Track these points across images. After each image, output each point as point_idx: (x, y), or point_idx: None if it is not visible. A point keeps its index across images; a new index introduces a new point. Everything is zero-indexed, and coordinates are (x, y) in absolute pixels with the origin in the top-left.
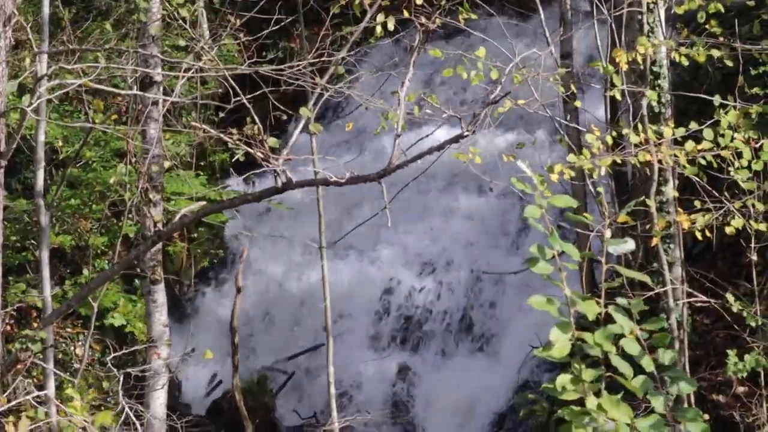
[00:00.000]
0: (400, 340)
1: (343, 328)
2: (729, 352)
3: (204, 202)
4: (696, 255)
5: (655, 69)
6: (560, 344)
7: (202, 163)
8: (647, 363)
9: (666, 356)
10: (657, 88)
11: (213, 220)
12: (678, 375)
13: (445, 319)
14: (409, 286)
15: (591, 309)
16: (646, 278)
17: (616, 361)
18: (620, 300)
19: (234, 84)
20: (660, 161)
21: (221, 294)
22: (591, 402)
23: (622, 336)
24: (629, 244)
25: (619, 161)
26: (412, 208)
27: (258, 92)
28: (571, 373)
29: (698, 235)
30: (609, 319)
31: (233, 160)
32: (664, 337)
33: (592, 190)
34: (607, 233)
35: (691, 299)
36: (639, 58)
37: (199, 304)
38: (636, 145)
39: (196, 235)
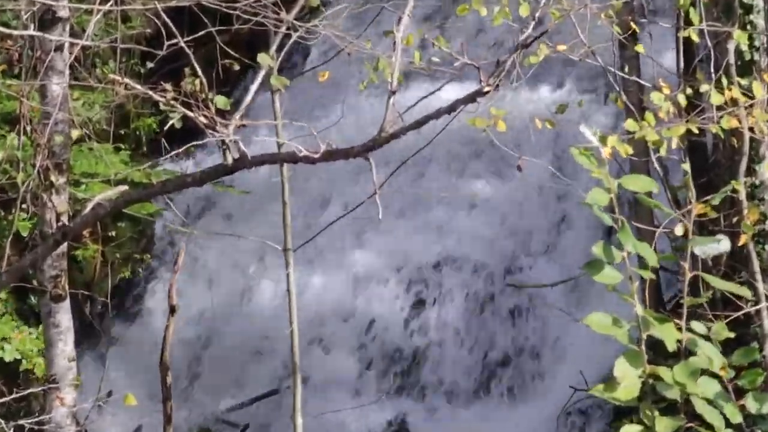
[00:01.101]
0: (395, 381)
1: (315, 363)
2: None
3: (125, 187)
4: None
5: (746, 0)
6: (628, 382)
7: (123, 132)
8: (732, 412)
9: (760, 403)
10: (748, 27)
11: (138, 212)
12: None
13: (456, 351)
14: (407, 304)
15: (670, 335)
16: (745, 291)
17: (702, 407)
18: (695, 324)
19: (168, 20)
20: (752, 129)
21: (148, 315)
22: None
23: (705, 372)
24: (723, 244)
25: (695, 130)
26: (408, 195)
27: (201, 32)
28: (640, 423)
29: None
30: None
31: (166, 127)
32: (756, 376)
33: (658, 169)
34: (679, 229)
35: None
36: None
37: (119, 330)
38: (719, 108)
39: (114, 233)
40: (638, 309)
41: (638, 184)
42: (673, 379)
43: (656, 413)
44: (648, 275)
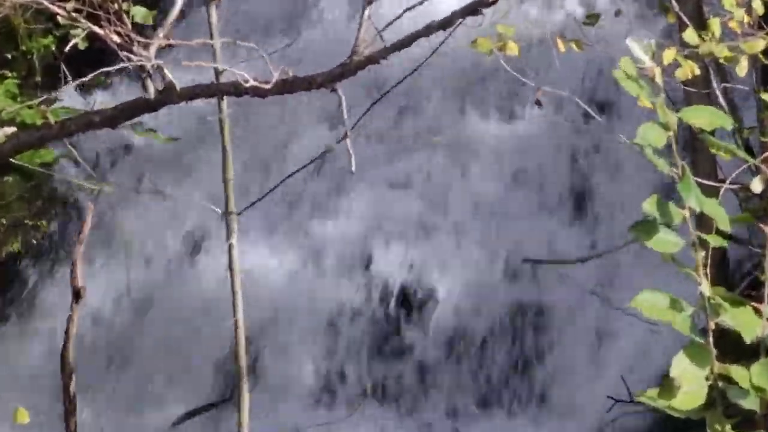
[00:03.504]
0: (376, 387)
1: (269, 365)
2: None
3: (12, 129)
4: None
5: None
6: (690, 386)
7: (9, 56)
8: None
9: None
10: None
11: (30, 162)
12: None
13: (458, 348)
14: (390, 285)
15: (749, 323)
16: None
17: None
18: None
19: None
20: None
21: (45, 302)
22: None
23: None
24: None
25: None
26: (392, 141)
27: None
28: None
29: None
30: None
31: (67, 48)
32: None
33: (723, 104)
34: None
35: None
36: None
37: (7, 321)
38: None
39: None
40: (705, 287)
41: (704, 118)
42: (751, 382)
43: (728, 427)
44: (719, 242)
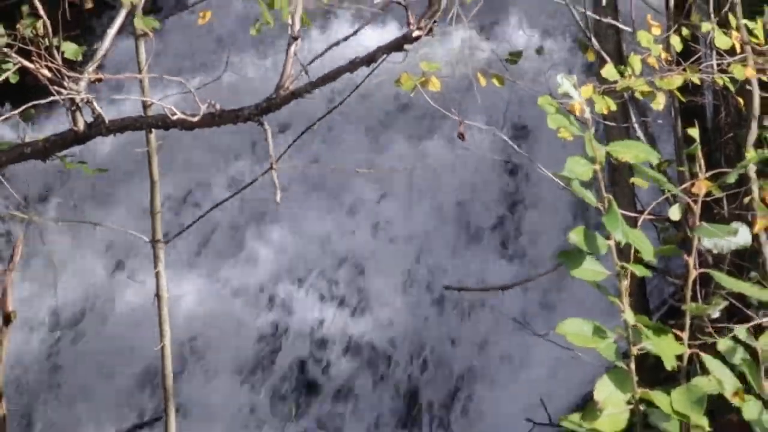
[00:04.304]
0: (301, 415)
1: (195, 390)
2: None
3: None
4: None
5: None
6: (613, 410)
7: None
8: None
9: None
10: None
11: None
12: None
13: (378, 375)
14: (314, 315)
15: (670, 349)
16: (765, 294)
17: None
18: (740, 332)
19: None
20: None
21: None
22: None
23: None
24: (742, 235)
25: (696, 81)
26: (316, 173)
27: None
28: None
29: None
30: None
31: None
32: None
33: (641, 137)
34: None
35: None
36: None
37: None
38: (721, 55)
39: None
40: (628, 315)
41: (631, 152)
42: (672, 407)
43: None
44: (643, 272)
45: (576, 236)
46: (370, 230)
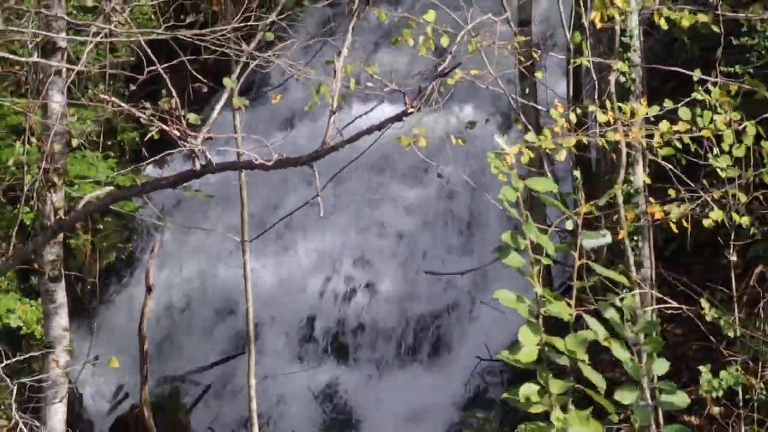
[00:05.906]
0: (331, 351)
1: (265, 335)
2: (702, 368)
3: (111, 188)
4: (668, 256)
5: (624, 39)
6: (528, 348)
7: (110, 143)
8: (635, 371)
9: (658, 366)
10: (626, 62)
11: (121, 208)
12: (669, 387)
13: (382, 328)
14: (342, 289)
15: (563, 310)
16: (623, 279)
17: (588, 372)
18: (600, 304)
19: (148, 51)
20: (629, 145)
21: (130, 294)
22: (557, 416)
23: (596, 343)
24: (607, 237)
25: (585, 141)
26: (341, 198)
27: (175, 61)
28: (536, 383)
29: (673, 227)
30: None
31: (146, 138)
32: (656, 344)
33: (549, 176)
34: (569, 225)
35: (661, 305)
36: (616, 16)
37: (105, 305)
38: (602, 126)
39: (101, 225)
40: (537, 288)
41: (541, 184)
42: (565, 347)
43: (550, 376)
44: (546, 261)
45: (506, 237)
46: (379, 238)
